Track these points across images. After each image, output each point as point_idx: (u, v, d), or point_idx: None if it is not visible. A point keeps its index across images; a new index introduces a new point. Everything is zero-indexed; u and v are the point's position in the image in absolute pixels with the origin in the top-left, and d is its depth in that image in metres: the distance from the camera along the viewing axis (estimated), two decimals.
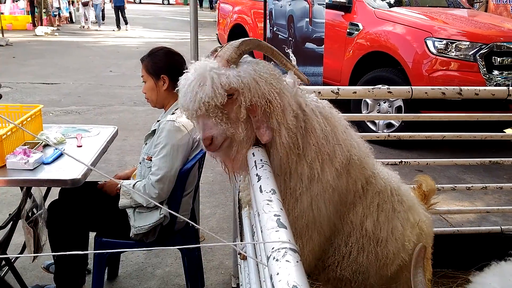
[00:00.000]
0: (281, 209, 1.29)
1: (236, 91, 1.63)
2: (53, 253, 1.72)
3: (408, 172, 5.00)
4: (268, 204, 1.31)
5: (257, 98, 1.65)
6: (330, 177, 1.88)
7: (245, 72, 1.65)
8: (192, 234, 2.91)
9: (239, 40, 1.73)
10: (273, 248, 1.09)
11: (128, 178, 2.97)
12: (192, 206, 2.91)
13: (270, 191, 1.39)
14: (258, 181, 1.49)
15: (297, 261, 1.04)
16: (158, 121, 2.72)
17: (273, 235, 1.15)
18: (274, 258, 1.06)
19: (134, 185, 2.61)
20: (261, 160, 1.68)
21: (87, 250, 2.87)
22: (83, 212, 2.65)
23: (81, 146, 2.85)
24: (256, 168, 1.61)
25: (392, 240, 2.08)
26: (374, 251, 2.08)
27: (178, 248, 2.81)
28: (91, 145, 2.88)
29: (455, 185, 3.25)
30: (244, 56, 1.75)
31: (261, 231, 1.22)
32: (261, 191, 1.40)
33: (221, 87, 1.59)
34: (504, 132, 6.71)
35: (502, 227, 3.37)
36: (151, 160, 2.59)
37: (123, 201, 2.60)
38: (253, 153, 1.75)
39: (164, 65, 2.66)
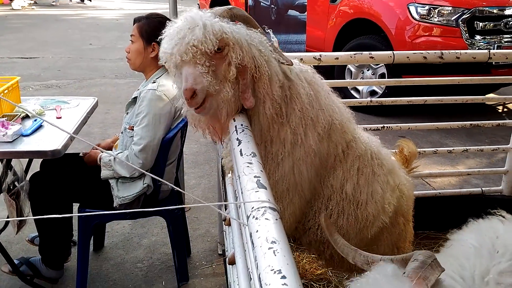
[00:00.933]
0: (261, 171, 1.29)
1: (227, 46, 1.57)
2: (35, 217, 1.70)
3: (391, 139, 5.02)
4: (248, 166, 1.31)
5: (248, 59, 1.60)
6: (313, 141, 1.89)
7: (238, 30, 1.61)
8: (177, 203, 2.91)
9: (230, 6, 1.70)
10: (252, 208, 1.10)
11: (109, 147, 2.94)
12: (176, 175, 2.90)
13: (251, 154, 1.39)
14: (238, 145, 1.49)
15: (276, 219, 1.05)
16: (138, 89, 2.69)
17: (253, 195, 1.15)
18: (253, 217, 1.07)
19: (114, 157, 2.58)
20: (241, 124, 1.67)
21: (71, 222, 2.86)
22: (66, 183, 2.63)
23: (60, 118, 2.81)
24: (237, 132, 1.61)
25: (372, 203, 2.12)
26: (354, 213, 2.12)
27: (163, 217, 2.82)
28: (71, 117, 2.83)
29: (437, 148, 3.28)
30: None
31: (242, 193, 1.23)
32: (241, 154, 1.40)
33: (213, 34, 1.52)
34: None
35: (482, 188, 3.44)
36: (133, 130, 2.57)
37: (104, 173, 2.58)
38: (233, 118, 1.74)
39: (159, 33, 2.60)
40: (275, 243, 0.94)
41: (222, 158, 2.40)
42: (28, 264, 2.77)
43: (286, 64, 1.79)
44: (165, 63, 1.62)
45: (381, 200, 2.13)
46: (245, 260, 1.76)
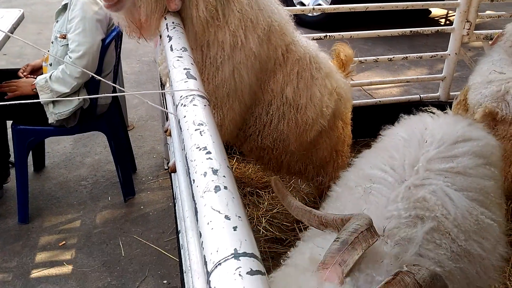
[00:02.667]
0: (191, 64, 1.25)
1: None
2: None
3: None
4: (178, 60, 1.26)
5: None
6: (253, 44, 1.84)
7: None
8: (117, 118, 2.84)
9: None
10: (181, 96, 1.07)
11: (40, 66, 2.75)
12: (114, 89, 2.79)
13: (181, 49, 1.34)
14: (169, 41, 1.43)
15: (205, 105, 1.02)
16: None
17: (182, 85, 1.12)
18: (182, 104, 1.04)
19: (50, 76, 2.42)
20: (173, 22, 1.59)
21: (7, 141, 2.74)
22: None
23: None
24: (167, 30, 1.54)
25: (311, 106, 2.13)
26: (294, 118, 2.13)
27: (103, 132, 2.74)
28: None
29: (377, 57, 3.31)
30: None
31: (172, 86, 1.19)
32: (171, 49, 1.35)
33: None
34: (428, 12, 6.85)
35: (421, 95, 3.55)
36: (64, 38, 2.40)
37: (44, 97, 2.42)
38: (164, 17, 1.66)
39: None
40: (202, 125, 0.93)
41: (158, 66, 2.32)
42: None
43: None
44: None
45: (319, 104, 2.14)
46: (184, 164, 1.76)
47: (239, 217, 0.66)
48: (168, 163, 3.19)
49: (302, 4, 6.00)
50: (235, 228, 0.63)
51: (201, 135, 0.89)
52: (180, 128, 0.98)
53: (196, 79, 1.15)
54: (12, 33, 2.70)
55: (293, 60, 2.06)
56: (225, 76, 1.85)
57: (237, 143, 2.33)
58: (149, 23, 1.65)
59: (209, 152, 0.82)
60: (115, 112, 2.76)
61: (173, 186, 2.32)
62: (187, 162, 0.86)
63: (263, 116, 2.13)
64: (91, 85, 2.47)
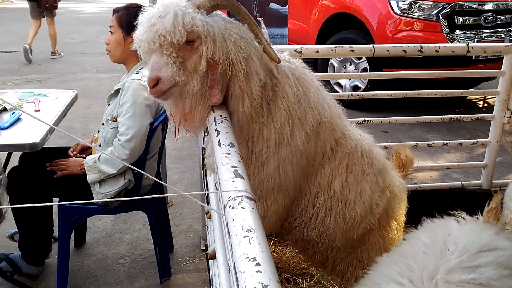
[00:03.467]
0: (239, 161, 1.29)
1: (198, 38, 1.55)
2: (13, 206, 1.67)
3: (373, 134, 5.07)
4: (226, 156, 1.31)
5: (220, 55, 1.57)
6: (300, 141, 1.84)
7: (214, 23, 1.57)
8: (159, 199, 2.89)
9: None
10: (229, 197, 1.10)
11: (87, 147, 2.88)
12: (157, 170, 2.88)
13: (229, 145, 1.39)
14: (217, 136, 1.48)
15: (253, 208, 1.05)
16: (120, 81, 2.66)
17: (230, 185, 1.15)
18: (230, 206, 1.06)
19: (99, 157, 2.54)
20: (220, 116, 1.66)
21: (51, 217, 2.83)
22: (45, 177, 2.59)
23: (39, 111, 2.76)
24: (215, 123, 1.60)
25: (360, 202, 2.05)
26: (342, 212, 2.05)
27: (144, 211, 2.80)
28: (50, 110, 2.79)
29: (417, 142, 3.31)
30: (218, 12, 1.67)
31: (219, 183, 1.22)
32: (219, 145, 1.40)
33: (182, 25, 1.50)
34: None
35: (462, 182, 3.48)
36: (115, 121, 2.53)
37: (91, 177, 2.52)
38: (213, 109, 1.73)
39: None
40: (251, 231, 0.94)
41: (203, 157, 2.36)
42: (8, 260, 2.72)
43: (272, 61, 1.75)
44: (138, 48, 1.60)
45: (369, 200, 2.06)
46: (225, 254, 1.75)
47: None
48: (205, 243, 3.19)
49: (339, 84, 6.15)
50: None
51: (250, 243, 0.90)
52: (228, 232, 0.99)
53: (243, 178, 1.18)
54: (65, 113, 2.87)
55: (343, 153, 2.01)
56: (270, 172, 1.84)
57: (282, 232, 2.26)
58: (193, 115, 1.70)
59: (258, 264, 0.83)
60: (158, 192, 2.81)
61: (210, 272, 2.31)
62: (235, 271, 0.87)
63: (309, 208, 2.07)
64: (136, 167, 2.54)
